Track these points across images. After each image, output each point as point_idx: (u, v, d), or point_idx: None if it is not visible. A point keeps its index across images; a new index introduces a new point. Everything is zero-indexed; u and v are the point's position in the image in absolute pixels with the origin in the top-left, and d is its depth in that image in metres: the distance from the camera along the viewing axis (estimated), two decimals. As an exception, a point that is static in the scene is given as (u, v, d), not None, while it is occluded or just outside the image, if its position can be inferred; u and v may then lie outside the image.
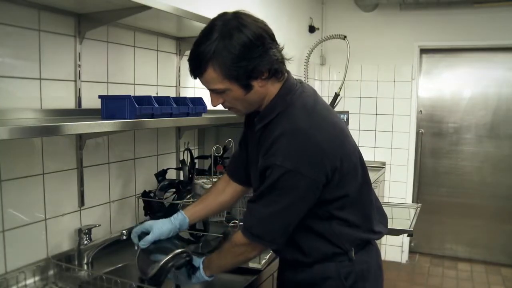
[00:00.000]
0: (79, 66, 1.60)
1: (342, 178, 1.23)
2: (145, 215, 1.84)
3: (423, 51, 4.23)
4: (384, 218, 1.46)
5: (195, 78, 1.21)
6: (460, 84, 4.23)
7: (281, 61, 1.21)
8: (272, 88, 1.24)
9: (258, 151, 1.27)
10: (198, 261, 1.33)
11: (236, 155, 1.54)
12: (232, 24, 1.13)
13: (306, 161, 1.16)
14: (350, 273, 1.29)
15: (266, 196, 1.21)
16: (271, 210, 1.21)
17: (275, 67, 1.18)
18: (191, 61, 1.18)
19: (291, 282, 1.39)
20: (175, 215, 1.44)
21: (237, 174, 1.51)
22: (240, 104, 1.24)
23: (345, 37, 3.46)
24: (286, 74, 1.27)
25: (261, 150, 1.24)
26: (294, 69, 3.61)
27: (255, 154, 1.31)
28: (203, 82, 1.20)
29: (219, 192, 1.53)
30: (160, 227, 1.38)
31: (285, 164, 1.15)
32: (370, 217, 1.36)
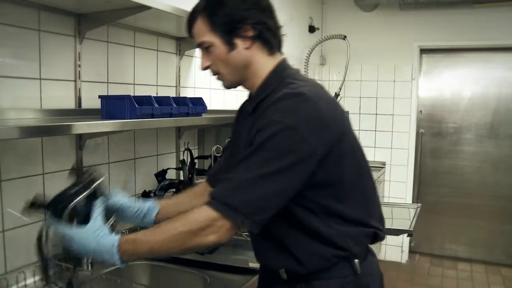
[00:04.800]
0: (79, 66, 1.60)
1: (340, 159, 1.09)
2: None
3: (423, 51, 4.23)
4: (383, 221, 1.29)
5: (189, 33, 1.21)
6: (460, 84, 4.23)
7: (273, 32, 1.18)
8: (262, 61, 1.18)
9: (251, 133, 1.13)
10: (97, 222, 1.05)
11: (219, 161, 1.47)
12: None
13: (307, 123, 1.03)
14: None
15: (251, 157, 1.03)
16: (255, 174, 1.01)
17: (261, 29, 1.14)
18: (188, 15, 1.21)
19: None
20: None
21: (215, 178, 1.34)
22: (223, 68, 1.18)
23: (345, 37, 3.46)
24: (280, 55, 1.22)
25: (255, 126, 1.11)
26: (294, 69, 3.59)
27: (245, 140, 1.17)
28: (194, 36, 1.20)
29: (195, 195, 1.36)
30: (125, 200, 1.23)
31: (285, 120, 1.02)
32: (374, 211, 1.22)
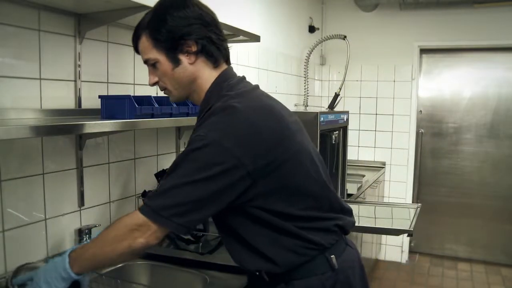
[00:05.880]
0: (79, 66, 1.60)
1: (281, 165, 1.10)
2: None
3: (423, 51, 4.23)
4: (349, 211, 1.30)
5: (135, 50, 1.23)
6: (460, 84, 4.23)
7: (218, 46, 1.19)
8: (207, 74, 1.19)
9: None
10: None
11: None
12: (176, 1, 1.16)
13: (233, 136, 1.05)
14: (335, 284, 1.17)
15: (177, 169, 1.07)
16: (179, 181, 1.04)
17: (204, 43, 1.15)
18: (133, 32, 1.21)
19: None
20: None
21: None
22: (170, 83, 1.20)
23: (345, 37, 3.46)
24: (225, 65, 1.23)
25: None
26: (294, 69, 3.65)
27: None
28: (140, 53, 1.22)
29: None
30: None
31: (208, 135, 1.04)
32: (330, 206, 1.22)
